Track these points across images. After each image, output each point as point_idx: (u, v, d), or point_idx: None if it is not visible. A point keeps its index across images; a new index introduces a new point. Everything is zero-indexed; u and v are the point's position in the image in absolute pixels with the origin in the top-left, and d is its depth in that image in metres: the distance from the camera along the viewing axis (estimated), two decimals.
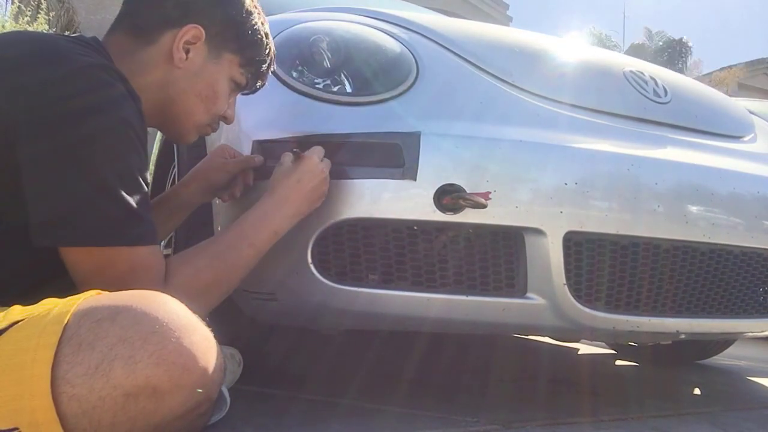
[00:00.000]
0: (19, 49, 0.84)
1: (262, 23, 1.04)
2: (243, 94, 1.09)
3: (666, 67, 1.80)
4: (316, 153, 1.05)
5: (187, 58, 0.96)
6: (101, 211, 0.80)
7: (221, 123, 1.08)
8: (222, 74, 1.01)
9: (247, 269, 0.97)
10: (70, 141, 0.78)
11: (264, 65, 1.05)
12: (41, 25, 8.20)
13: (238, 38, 1.00)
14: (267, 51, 1.05)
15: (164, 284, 0.85)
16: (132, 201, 0.82)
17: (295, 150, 1.05)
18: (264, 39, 1.04)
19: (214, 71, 1.00)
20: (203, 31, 0.96)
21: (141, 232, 0.83)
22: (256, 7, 1.03)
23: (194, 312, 0.74)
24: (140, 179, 0.84)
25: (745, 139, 1.56)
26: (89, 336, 0.66)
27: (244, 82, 1.05)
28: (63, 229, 0.79)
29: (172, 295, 0.80)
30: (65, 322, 0.67)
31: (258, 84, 1.08)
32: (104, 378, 0.65)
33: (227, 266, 0.95)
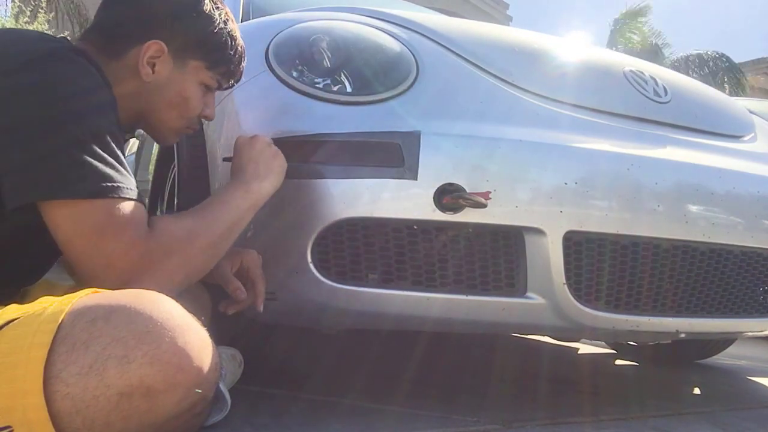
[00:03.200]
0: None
1: (225, 22, 1.04)
2: (222, 90, 1.11)
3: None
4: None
5: (153, 72, 0.98)
6: (76, 165, 0.79)
7: (221, 123, 1.08)
8: (189, 81, 1.03)
9: (227, 225, 0.96)
10: (40, 105, 0.79)
11: (232, 65, 1.07)
12: (41, 25, 8.20)
13: (200, 46, 1.02)
14: (233, 51, 1.06)
15: (146, 235, 0.84)
16: (107, 155, 0.82)
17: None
18: (228, 40, 1.04)
19: (181, 80, 1.02)
20: (164, 46, 0.98)
21: (118, 185, 0.82)
22: (217, 8, 1.04)
23: (199, 301, 0.74)
24: (113, 139, 0.84)
25: (745, 138, 1.56)
26: (83, 335, 0.67)
27: (215, 84, 1.06)
28: (38, 185, 0.78)
29: (153, 246, 0.83)
30: (59, 321, 0.67)
31: (231, 82, 1.09)
32: (98, 377, 0.65)
33: (204, 217, 0.94)
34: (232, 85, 1.11)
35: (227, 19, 1.05)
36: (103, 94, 0.87)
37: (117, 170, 0.83)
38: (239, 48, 1.07)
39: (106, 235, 0.80)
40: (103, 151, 0.82)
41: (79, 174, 0.79)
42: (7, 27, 8.09)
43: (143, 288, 0.78)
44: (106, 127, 0.84)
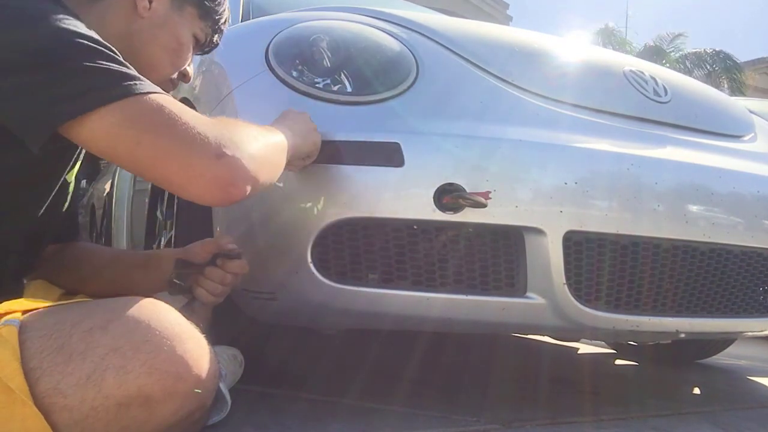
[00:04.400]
0: None
1: None
2: (200, 53, 1.09)
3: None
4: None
5: (150, 8, 0.94)
6: (94, 70, 0.73)
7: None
8: (185, 27, 1.00)
9: (278, 147, 0.92)
10: (22, 43, 0.72)
11: (220, 21, 1.05)
12: None
13: None
14: (223, 6, 1.05)
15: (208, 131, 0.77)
16: (117, 61, 0.76)
17: None
18: None
19: (178, 22, 0.99)
20: None
21: (143, 83, 0.76)
22: None
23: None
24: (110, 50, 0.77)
25: (745, 138, 1.56)
26: (80, 345, 0.66)
27: (204, 38, 1.04)
28: (65, 104, 0.71)
29: (224, 143, 0.76)
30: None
31: (215, 39, 1.07)
32: (96, 388, 0.65)
33: (266, 139, 0.90)
34: (209, 49, 1.09)
35: None
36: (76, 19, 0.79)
37: (130, 69, 0.77)
38: (227, 7, 1.06)
39: (180, 122, 0.74)
40: (106, 50, 0.75)
41: (106, 77, 0.73)
42: None
43: (236, 161, 0.76)
44: (87, 32, 0.77)
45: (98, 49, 0.75)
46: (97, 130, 0.72)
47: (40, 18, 0.74)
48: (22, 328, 0.67)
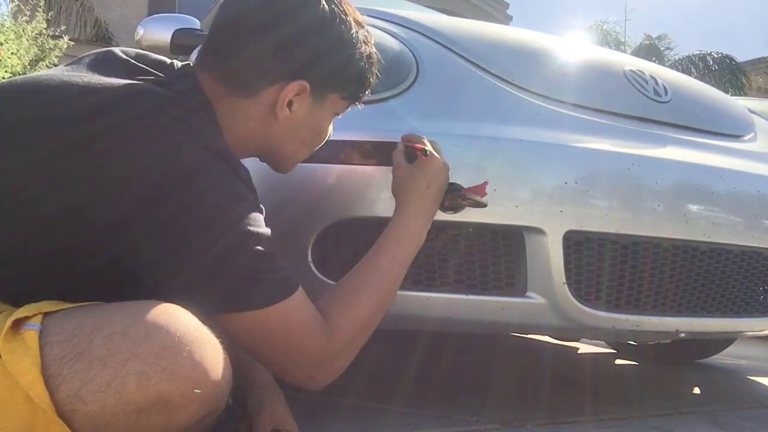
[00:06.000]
0: (115, 106, 0.74)
1: (365, 42, 0.93)
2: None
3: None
4: (438, 152, 1.01)
5: (290, 112, 0.89)
6: (248, 274, 0.77)
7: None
8: (326, 116, 0.94)
9: (398, 287, 0.94)
10: (194, 230, 0.74)
11: (370, 87, 0.97)
12: (40, 23, 8.20)
13: (343, 79, 0.92)
14: (372, 75, 0.95)
15: (325, 338, 0.84)
16: (263, 258, 0.78)
17: (425, 149, 0.99)
18: (366, 65, 0.93)
19: (318, 117, 0.93)
20: (308, 85, 0.88)
21: (284, 287, 0.80)
22: (358, 24, 0.92)
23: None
24: (265, 236, 0.80)
25: (745, 138, 1.56)
26: (101, 351, 0.65)
27: (346, 109, 0.98)
28: (217, 299, 0.77)
29: (335, 348, 0.84)
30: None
31: (359, 102, 0.99)
32: (117, 394, 0.64)
33: (382, 293, 0.91)
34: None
35: (367, 40, 0.94)
36: (250, 192, 0.82)
37: (273, 269, 0.80)
38: (374, 69, 0.95)
39: (291, 347, 0.82)
40: (263, 247, 0.78)
41: (255, 285, 0.78)
42: (9, 27, 8.07)
43: (325, 379, 0.86)
44: (258, 212, 0.80)
45: (270, 254, 0.79)
46: (237, 323, 0.79)
47: (231, 223, 0.77)
48: (43, 332, 0.67)
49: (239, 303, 0.78)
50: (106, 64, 0.84)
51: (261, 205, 0.83)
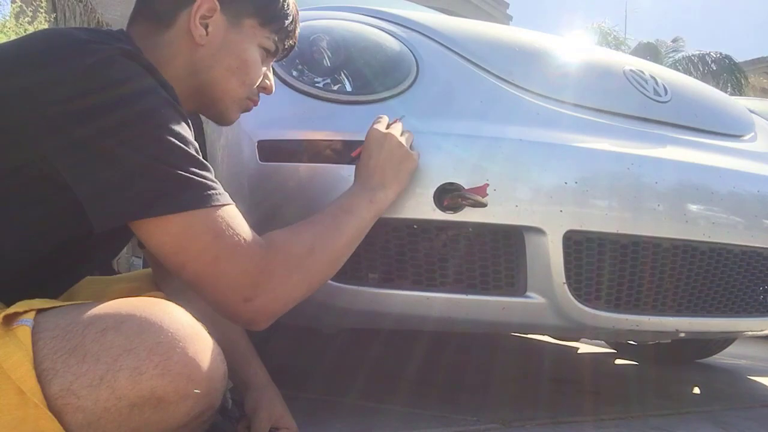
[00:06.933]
0: (37, 46, 0.78)
1: None
2: (277, 60, 1.05)
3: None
4: (379, 123, 1.03)
5: (207, 34, 0.91)
6: (171, 174, 0.74)
7: (220, 126, 1.07)
8: (247, 42, 0.95)
9: (350, 236, 0.92)
10: (109, 126, 0.73)
11: (287, 20, 0.98)
12: (41, 24, 8.20)
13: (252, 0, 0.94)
14: (285, 4, 0.98)
15: (263, 252, 0.80)
16: (194, 167, 0.76)
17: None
18: None
19: (238, 40, 0.94)
20: (216, 2, 0.91)
21: (211, 193, 0.77)
22: None
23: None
24: (192, 149, 0.79)
25: (745, 138, 1.56)
26: (94, 346, 0.66)
27: (273, 47, 0.98)
28: (132, 202, 0.73)
29: (273, 264, 0.79)
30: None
31: (288, 44, 1.01)
32: (109, 389, 0.64)
33: (326, 228, 0.90)
34: (289, 51, 1.03)
35: None
36: (166, 89, 0.81)
37: (208, 169, 0.78)
38: (291, 5, 0.99)
39: (220, 257, 0.76)
40: (189, 149, 0.76)
41: (178, 183, 0.74)
42: (10, 28, 8.09)
43: (264, 305, 0.79)
44: (179, 118, 0.78)
45: (190, 154, 0.77)
46: (151, 231, 0.75)
47: (147, 116, 0.75)
48: (35, 329, 0.68)
49: (167, 205, 0.74)
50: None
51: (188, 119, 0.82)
